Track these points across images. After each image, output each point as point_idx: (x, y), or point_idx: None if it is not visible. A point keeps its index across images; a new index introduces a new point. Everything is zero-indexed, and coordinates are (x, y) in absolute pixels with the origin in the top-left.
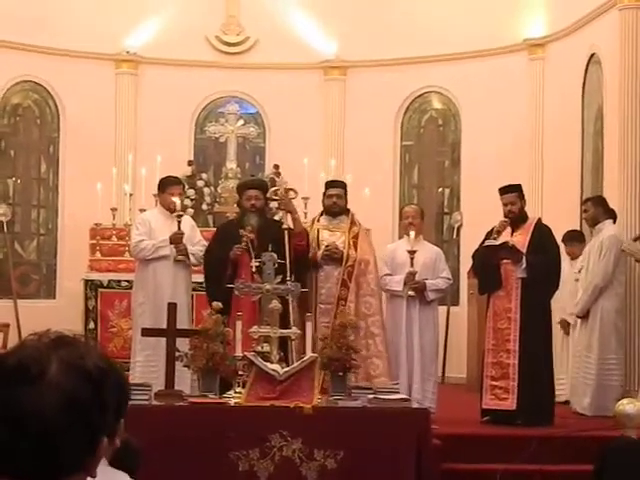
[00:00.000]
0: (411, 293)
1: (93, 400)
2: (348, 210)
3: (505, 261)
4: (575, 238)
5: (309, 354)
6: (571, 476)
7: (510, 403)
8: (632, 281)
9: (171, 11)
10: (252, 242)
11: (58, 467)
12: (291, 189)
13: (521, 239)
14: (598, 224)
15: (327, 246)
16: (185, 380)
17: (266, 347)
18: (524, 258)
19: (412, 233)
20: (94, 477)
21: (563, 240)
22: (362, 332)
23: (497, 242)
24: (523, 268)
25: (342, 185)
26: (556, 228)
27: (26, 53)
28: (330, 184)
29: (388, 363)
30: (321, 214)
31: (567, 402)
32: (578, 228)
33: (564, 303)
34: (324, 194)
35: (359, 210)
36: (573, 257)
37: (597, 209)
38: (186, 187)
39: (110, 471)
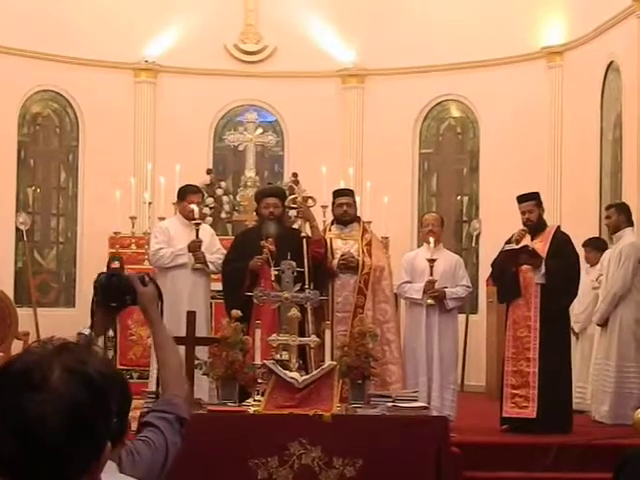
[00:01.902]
0: (430, 302)
1: (96, 406)
2: (359, 218)
3: (524, 268)
4: (592, 245)
5: (328, 362)
6: None
7: (531, 411)
8: None
9: (190, 20)
10: (272, 253)
11: (62, 473)
12: (309, 197)
13: (540, 247)
14: (619, 231)
15: (343, 255)
16: (204, 388)
17: (285, 355)
18: (543, 263)
19: (432, 241)
20: None
21: (584, 245)
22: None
23: (517, 246)
24: (542, 274)
25: (350, 193)
26: (575, 235)
27: (46, 62)
28: (338, 193)
29: (403, 370)
30: (332, 223)
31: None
32: (597, 235)
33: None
34: (333, 203)
35: (378, 218)
36: (591, 264)
37: (620, 216)
38: (205, 195)
39: (119, 477)
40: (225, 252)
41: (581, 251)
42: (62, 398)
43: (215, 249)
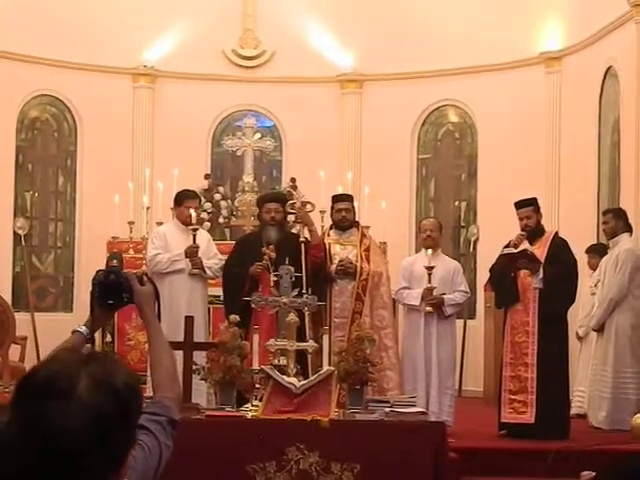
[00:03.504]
0: (429, 309)
1: (120, 417)
2: (357, 223)
3: (522, 273)
4: (596, 251)
5: (326, 367)
6: None
7: (529, 417)
8: None
9: (188, 25)
10: (271, 260)
11: None
12: (308, 202)
13: (538, 252)
14: (616, 237)
15: (341, 261)
16: (202, 393)
17: (283, 360)
18: (541, 268)
19: (430, 251)
20: None
21: (587, 251)
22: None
23: (516, 250)
24: (540, 278)
25: (349, 198)
26: (573, 241)
27: (44, 67)
28: (337, 198)
29: (400, 376)
30: (330, 228)
31: (581, 415)
32: (595, 241)
33: (575, 315)
34: (332, 208)
35: (376, 223)
36: (594, 270)
37: (618, 222)
38: (203, 200)
39: None
40: (222, 257)
41: (581, 257)
42: (88, 408)
43: (212, 254)
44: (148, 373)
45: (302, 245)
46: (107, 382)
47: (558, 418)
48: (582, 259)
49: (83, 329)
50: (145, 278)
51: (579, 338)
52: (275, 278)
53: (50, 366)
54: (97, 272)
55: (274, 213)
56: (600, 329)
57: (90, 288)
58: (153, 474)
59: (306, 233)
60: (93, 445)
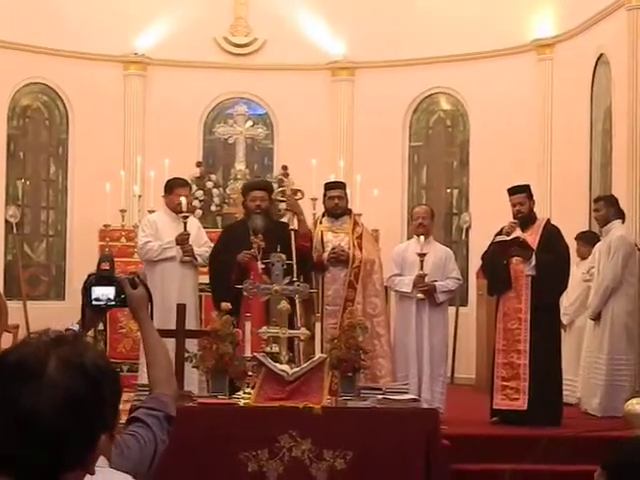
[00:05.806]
0: (420, 296)
1: (91, 397)
2: (350, 210)
3: (515, 260)
4: (585, 238)
5: (318, 355)
6: (580, 476)
7: (521, 403)
8: None
9: (179, 13)
10: (260, 249)
11: (57, 464)
12: (298, 190)
13: (530, 239)
14: (608, 224)
15: (333, 248)
16: (194, 381)
17: (275, 348)
18: (534, 255)
19: (422, 237)
20: (92, 474)
21: (576, 238)
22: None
23: (508, 237)
24: (532, 265)
25: (342, 186)
26: (565, 228)
27: (35, 55)
28: (330, 185)
29: (392, 363)
30: (323, 215)
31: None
32: (587, 228)
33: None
34: (324, 196)
35: (368, 211)
36: (582, 257)
37: (609, 209)
38: (194, 188)
39: (110, 472)
40: (212, 245)
41: (572, 244)
42: (58, 389)
43: (202, 242)
44: (140, 361)
45: (291, 233)
46: (76, 362)
47: (551, 405)
48: (573, 246)
49: (76, 327)
50: (137, 280)
51: (563, 326)
52: (263, 266)
53: (19, 350)
54: (89, 276)
55: (259, 201)
56: (596, 317)
57: (81, 288)
58: (147, 466)
59: (295, 221)
60: (66, 426)
